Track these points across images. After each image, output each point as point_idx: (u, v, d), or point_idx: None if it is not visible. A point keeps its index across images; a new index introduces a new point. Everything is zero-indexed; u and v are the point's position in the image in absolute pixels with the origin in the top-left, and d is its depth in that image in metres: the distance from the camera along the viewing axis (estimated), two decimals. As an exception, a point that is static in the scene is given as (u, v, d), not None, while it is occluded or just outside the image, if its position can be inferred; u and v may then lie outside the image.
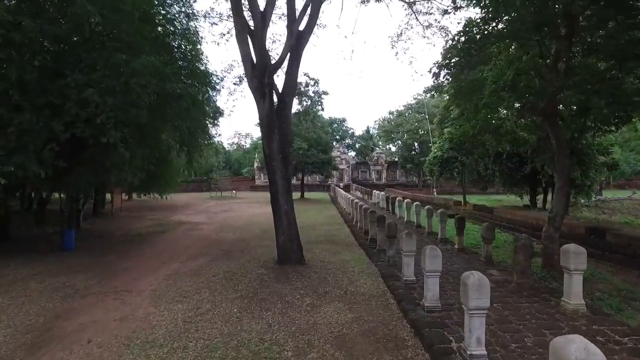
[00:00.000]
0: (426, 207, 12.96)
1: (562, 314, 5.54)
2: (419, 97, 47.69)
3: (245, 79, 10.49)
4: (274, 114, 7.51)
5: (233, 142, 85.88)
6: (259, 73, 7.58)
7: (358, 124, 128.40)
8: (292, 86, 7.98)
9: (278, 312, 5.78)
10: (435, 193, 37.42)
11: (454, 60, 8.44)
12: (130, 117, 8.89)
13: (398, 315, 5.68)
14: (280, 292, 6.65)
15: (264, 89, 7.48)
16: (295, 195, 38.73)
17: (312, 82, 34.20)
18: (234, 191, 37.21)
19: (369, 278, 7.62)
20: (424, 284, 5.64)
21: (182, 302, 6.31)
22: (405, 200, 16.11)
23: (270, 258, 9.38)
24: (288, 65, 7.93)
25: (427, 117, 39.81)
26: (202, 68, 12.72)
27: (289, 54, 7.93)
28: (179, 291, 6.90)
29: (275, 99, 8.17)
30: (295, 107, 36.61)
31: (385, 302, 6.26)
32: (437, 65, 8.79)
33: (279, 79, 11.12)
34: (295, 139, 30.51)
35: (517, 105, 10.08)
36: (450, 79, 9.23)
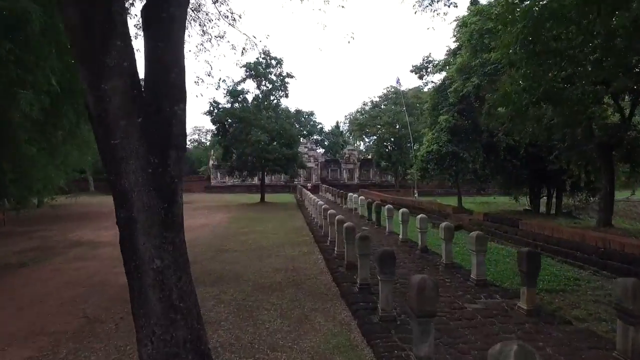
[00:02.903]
0: (443, 224, 8.43)
1: None
2: (395, 88, 43.78)
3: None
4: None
5: (193, 139, 79.97)
6: None
7: (327, 120, 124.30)
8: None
9: None
10: (416, 195, 33.51)
11: None
12: None
13: None
14: None
15: None
16: (255, 198, 33.37)
17: (274, 62, 29.30)
18: (179, 194, 31.45)
19: None
20: None
21: None
22: (401, 210, 11.58)
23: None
24: None
25: (404, 108, 35.84)
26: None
27: None
28: None
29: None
30: (253, 91, 31.50)
31: None
32: None
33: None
34: (252, 130, 25.51)
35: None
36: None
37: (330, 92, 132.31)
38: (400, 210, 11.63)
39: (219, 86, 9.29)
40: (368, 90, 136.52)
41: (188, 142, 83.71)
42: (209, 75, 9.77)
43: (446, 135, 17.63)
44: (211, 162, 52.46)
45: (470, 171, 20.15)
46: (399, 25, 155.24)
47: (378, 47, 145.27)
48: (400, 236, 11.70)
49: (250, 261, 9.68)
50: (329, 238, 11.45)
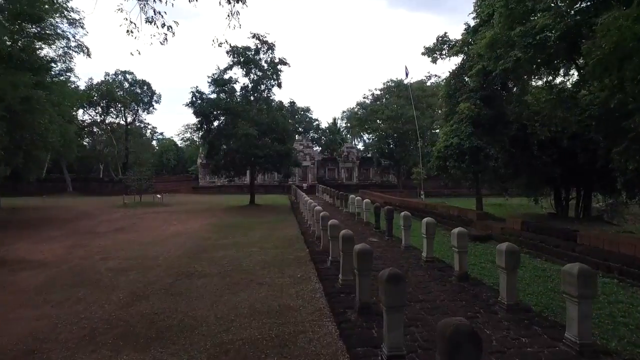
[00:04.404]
0: (504, 246, 5.69)
1: None
2: (398, 80, 41.06)
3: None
4: None
5: (185, 137, 77.42)
6: None
7: (323, 118, 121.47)
8: None
9: None
10: (423, 196, 30.86)
11: None
12: None
13: None
14: None
15: None
16: (245, 199, 30.21)
17: (264, 47, 26.46)
18: (159, 195, 28.65)
19: None
20: None
21: None
22: (425, 220, 8.84)
23: None
24: None
25: (411, 101, 33.14)
26: None
27: None
28: None
29: None
30: (242, 80, 28.61)
31: None
32: None
33: None
34: (240, 122, 22.71)
35: None
36: None
37: (326, 89, 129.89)
38: (425, 221, 8.89)
39: (165, 40, 6.71)
40: (366, 87, 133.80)
41: (180, 141, 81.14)
42: (150, 23, 6.63)
43: (468, 127, 14.91)
44: (199, 160, 49.52)
45: (490, 169, 17.49)
46: (399, 21, 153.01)
47: (377, 43, 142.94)
48: (424, 254, 8.98)
49: (220, 295, 6.94)
50: (330, 257, 8.75)
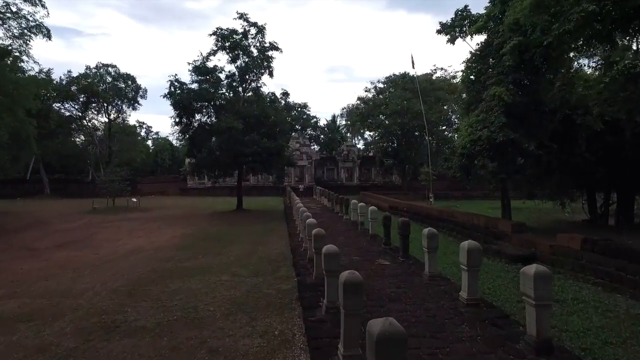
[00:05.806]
0: None
1: None
2: (404, 73, 38.26)
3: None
4: None
5: (180, 136, 74.20)
6: None
7: (322, 115, 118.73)
8: None
9: None
10: (432, 200, 28.01)
11: None
12: None
13: None
14: None
15: None
16: (233, 202, 27.07)
17: (253, 31, 23.45)
18: (134, 199, 25.80)
19: None
20: None
21: None
22: (467, 245, 6.03)
23: None
24: None
25: (419, 93, 30.31)
26: None
27: None
28: None
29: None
30: (227, 67, 25.54)
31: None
32: None
33: None
34: (224, 115, 19.90)
35: None
36: None
37: (326, 88, 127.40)
38: (466, 246, 6.07)
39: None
40: (366, 86, 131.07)
41: (175, 140, 78.07)
42: None
43: (500, 116, 12.06)
44: (187, 159, 46.61)
45: (526, 169, 14.78)
46: (399, 22, 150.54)
47: (377, 43, 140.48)
48: (465, 294, 6.15)
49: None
50: (325, 300, 5.95)
